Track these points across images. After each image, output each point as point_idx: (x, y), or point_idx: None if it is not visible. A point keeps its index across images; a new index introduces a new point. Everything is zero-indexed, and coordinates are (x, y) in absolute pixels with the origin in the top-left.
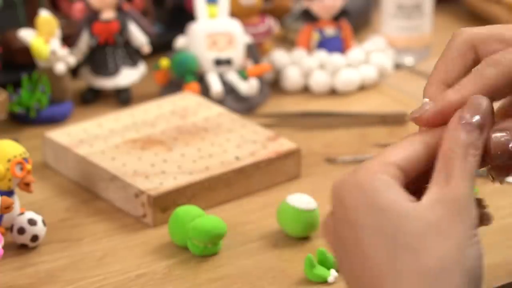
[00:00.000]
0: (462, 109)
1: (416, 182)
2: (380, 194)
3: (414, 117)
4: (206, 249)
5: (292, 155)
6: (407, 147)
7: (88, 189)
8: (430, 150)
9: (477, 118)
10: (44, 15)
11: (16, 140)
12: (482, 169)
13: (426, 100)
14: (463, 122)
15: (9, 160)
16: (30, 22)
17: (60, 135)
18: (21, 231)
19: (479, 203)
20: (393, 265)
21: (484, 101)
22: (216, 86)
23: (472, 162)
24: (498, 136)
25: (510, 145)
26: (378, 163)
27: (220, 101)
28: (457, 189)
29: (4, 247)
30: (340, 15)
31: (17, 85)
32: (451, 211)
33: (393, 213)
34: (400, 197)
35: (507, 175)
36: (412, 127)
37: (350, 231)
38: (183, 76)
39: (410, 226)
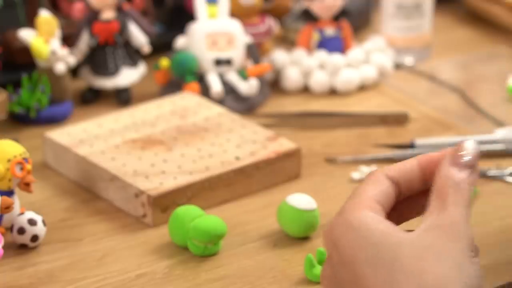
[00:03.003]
0: (451, 152)
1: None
2: (371, 229)
3: None
4: (206, 249)
5: (292, 155)
6: (380, 184)
7: (88, 189)
8: (397, 187)
9: (467, 158)
10: (44, 15)
11: (16, 140)
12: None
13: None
14: (457, 162)
15: (9, 160)
16: (30, 22)
17: (60, 135)
18: (21, 231)
19: None
20: None
21: (471, 144)
22: (216, 86)
23: (466, 191)
24: None
25: None
26: (361, 200)
27: (220, 101)
28: (452, 215)
29: (4, 247)
30: (340, 15)
31: (17, 85)
32: (446, 234)
33: (387, 244)
34: (391, 229)
35: None
36: (412, 126)
37: (349, 271)
38: (183, 76)
39: (407, 252)
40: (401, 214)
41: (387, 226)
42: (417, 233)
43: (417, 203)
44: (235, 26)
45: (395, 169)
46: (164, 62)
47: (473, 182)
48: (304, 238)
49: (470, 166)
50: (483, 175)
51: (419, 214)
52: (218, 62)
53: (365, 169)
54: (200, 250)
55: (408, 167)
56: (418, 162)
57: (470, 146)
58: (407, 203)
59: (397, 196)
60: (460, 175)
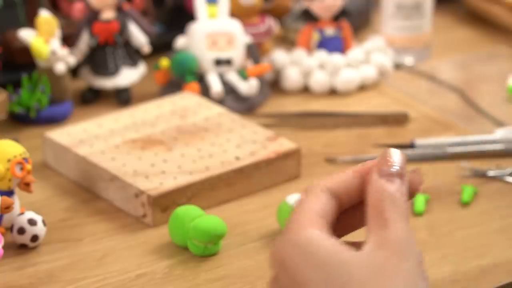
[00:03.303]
0: (378, 163)
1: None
2: (319, 248)
3: None
4: (206, 249)
5: (292, 155)
6: (320, 198)
7: (88, 189)
8: (338, 199)
9: (396, 168)
10: (44, 15)
11: (16, 140)
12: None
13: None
14: (385, 173)
15: (9, 160)
16: (30, 22)
17: (60, 135)
18: (21, 231)
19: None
20: None
21: (397, 153)
22: (216, 86)
23: (403, 204)
24: None
25: None
26: (304, 217)
27: (220, 101)
28: (396, 231)
29: (4, 247)
30: (340, 15)
31: (17, 85)
32: (394, 252)
33: (337, 264)
34: (339, 248)
35: None
36: (412, 126)
37: None
38: (183, 76)
39: (358, 274)
40: (345, 226)
41: (335, 244)
42: (366, 252)
43: (360, 213)
44: (235, 26)
45: (333, 181)
46: (164, 62)
47: (406, 191)
48: None
49: (400, 175)
50: (483, 175)
51: (363, 224)
52: (218, 62)
53: None
54: (200, 250)
55: (346, 178)
56: (355, 172)
57: (395, 155)
58: (349, 214)
59: (339, 209)
60: (392, 186)
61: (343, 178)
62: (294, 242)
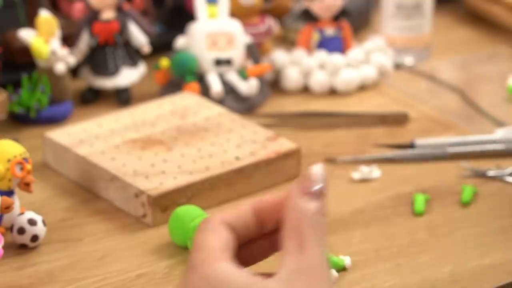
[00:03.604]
0: (301, 181)
1: None
2: (231, 281)
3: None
4: None
5: (292, 155)
6: (219, 231)
7: (88, 189)
8: (235, 233)
9: (318, 186)
10: (44, 15)
11: (16, 140)
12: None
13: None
14: (307, 192)
15: (9, 160)
16: (30, 22)
17: (60, 135)
18: (21, 231)
19: None
20: None
21: (321, 170)
22: (216, 86)
23: (322, 227)
24: None
25: None
26: (208, 253)
27: (220, 101)
28: (312, 257)
29: (4, 247)
30: (340, 15)
31: (17, 85)
32: (310, 281)
33: None
34: (252, 279)
35: None
36: (412, 126)
37: None
38: (183, 76)
39: None
40: (245, 259)
41: (245, 275)
42: (281, 278)
43: (260, 246)
44: (235, 26)
45: (229, 215)
46: (164, 62)
47: (326, 211)
48: None
49: (321, 194)
50: (483, 175)
51: (265, 256)
52: (218, 62)
53: (365, 169)
54: None
55: (242, 212)
56: (251, 207)
57: (317, 172)
58: (251, 247)
59: (237, 242)
60: (313, 206)
61: (239, 212)
62: (203, 277)
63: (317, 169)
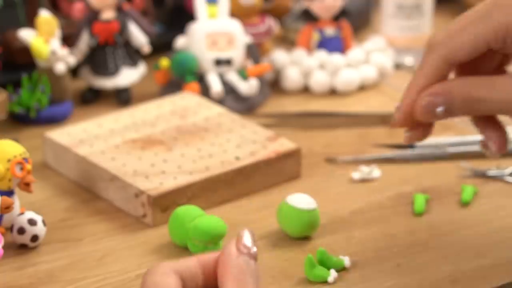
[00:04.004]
0: (239, 241)
1: None
2: None
3: (392, 123)
4: (206, 249)
5: (292, 155)
6: (170, 277)
7: (88, 189)
8: (183, 282)
9: (255, 249)
10: (44, 15)
11: (16, 140)
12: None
13: (396, 104)
14: (247, 252)
15: (9, 160)
16: (30, 22)
17: (60, 135)
18: (21, 231)
19: None
20: None
21: (250, 235)
22: (216, 86)
23: (259, 284)
24: (426, 99)
25: (436, 109)
26: None
27: (220, 101)
28: None
29: (4, 247)
30: (340, 15)
31: (17, 85)
32: None
33: None
34: None
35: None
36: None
37: None
38: (183, 76)
39: None
40: None
41: None
42: None
43: None
44: (235, 26)
45: (178, 264)
46: (164, 62)
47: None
48: (304, 238)
49: (255, 258)
50: (483, 175)
51: None
52: (218, 62)
53: (365, 169)
54: (200, 250)
55: (190, 264)
56: (198, 261)
57: (249, 237)
58: None
59: None
60: (255, 266)
61: (187, 263)
62: None
63: (247, 234)
